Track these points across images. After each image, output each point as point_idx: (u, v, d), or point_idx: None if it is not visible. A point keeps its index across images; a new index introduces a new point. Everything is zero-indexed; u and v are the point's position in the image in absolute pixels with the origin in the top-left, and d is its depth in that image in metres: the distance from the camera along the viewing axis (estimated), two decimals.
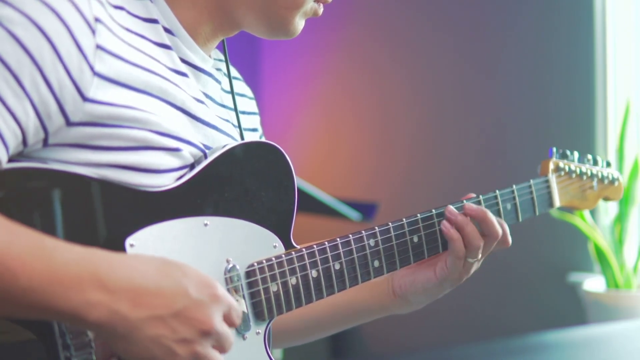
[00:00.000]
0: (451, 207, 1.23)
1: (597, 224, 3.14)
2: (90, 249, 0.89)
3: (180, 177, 1.02)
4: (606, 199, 1.47)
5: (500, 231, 1.23)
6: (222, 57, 1.21)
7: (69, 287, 0.85)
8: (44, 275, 0.85)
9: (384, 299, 1.28)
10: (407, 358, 2.40)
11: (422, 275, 1.24)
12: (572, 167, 1.40)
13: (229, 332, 0.94)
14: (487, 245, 1.23)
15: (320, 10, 1.14)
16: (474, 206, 1.23)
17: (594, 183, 1.44)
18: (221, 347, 0.94)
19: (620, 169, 3.06)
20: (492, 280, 3.35)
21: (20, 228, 0.87)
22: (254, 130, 1.25)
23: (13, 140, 0.91)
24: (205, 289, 0.92)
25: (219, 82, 1.16)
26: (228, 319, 0.95)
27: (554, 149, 1.39)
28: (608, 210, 3.20)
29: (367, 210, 3.15)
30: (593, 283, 3.11)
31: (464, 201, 1.25)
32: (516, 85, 3.43)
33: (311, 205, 2.93)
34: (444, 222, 1.21)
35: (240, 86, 1.26)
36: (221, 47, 1.20)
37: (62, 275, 0.85)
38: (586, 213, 3.06)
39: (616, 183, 1.48)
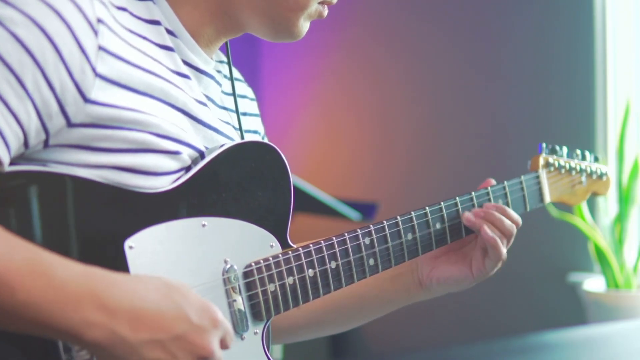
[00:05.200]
0: (492, 211, 1.25)
1: (597, 224, 3.14)
2: (89, 267, 0.88)
3: (178, 178, 1.02)
4: (595, 193, 1.47)
5: (513, 228, 1.25)
6: (224, 59, 1.21)
7: (67, 304, 0.84)
8: (42, 291, 0.83)
9: (410, 290, 1.30)
10: (407, 358, 2.40)
11: (458, 272, 1.27)
12: (562, 163, 1.41)
13: (222, 357, 0.94)
14: (505, 242, 1.26)
15: (325, 12, 1.14)
16: (481, 211, 1.26)
17: (583, 178, 1.45)
18: None
19: (620, 169, 3.06)
20: (492, 280, 3.34)
21: (19, 241, 0.86)
22: (255, 132, 1.25)
23: (15, 142, 0.91)
24: (206, 313, 0.92)
25: (219, 84, 1.16)
26: (222, 343, 0.95)
27: (544, 145, 1.39)
28: (608, 210, 3.20)
29: (367, 210, 3.15)
30: (593, 283, 3.11)
31: (473, 193, 1.27)
32: (516, 85, 3.43)
33: (311, 205, 2.93)
34: (485, 228, 1.23)
35: (242, 87, 1.25)
36: (223, 49, 1.20)
37: (61, 292, 0.84)
38: (586, 213, 3.07)
39: (604, 178, 1.48)
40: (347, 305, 1.31)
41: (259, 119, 1.28)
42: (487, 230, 1.23)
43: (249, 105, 1.26)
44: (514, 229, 1.25)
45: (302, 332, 1.33)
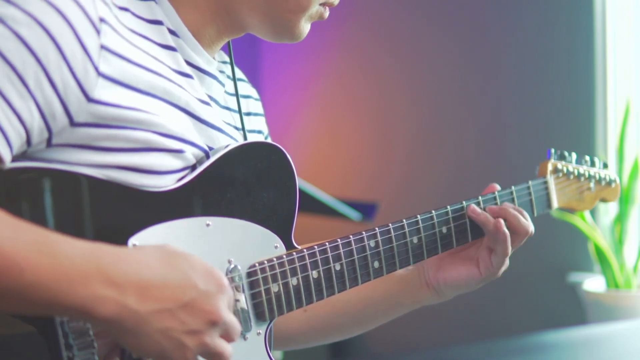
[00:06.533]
0: (493, 207, 1.26)
1: (597, 224, 3.15)
2: (94, 243, 0.89)
3: (183, 177, 1.02)
4: (603, 200, 1.47)
5: (530, 227, 1.25)
6: (226, 59, 1.21)
7: (75, 281, 0.85)
8: (50, 270, 0.84)
9: (417, 293, 1.30)
10: (407, 358, 2.40)
11: (466, 272, 1.26)
12: (570, 169, 1.40)
13: (235, 321, 0.94)
14: (516, 241, 1.26)
15: (326, 13, 1.13)
16: (495, 207, 1.26)
17: (592, 184, 1.44)
18: (229, 336, 0.94)
19: (620, 169, 3.06)
20: (492, 280, 3.34)
21: (24, 224, 0.87)
22: (259, 132, 1.25)
23: (17, 140, 0.91)
24: (212, 279, 0.93)
25: (222, 84, 1.16)
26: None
27: (552, 150, 1.39)
28: (608, 210, 3.20)
29: (367, 210, 3.15)
30: (593, 283, 3.12)
31: (480, 197, 1.27)
32: (516, 85, 3.43)
33: (311, 205, 2.93)
34: (500, 220, 1.23)
35: (245, 87, 1.25)
36: (226, 49, 1.20)
37: (68, 270, 0.85)
38: (586, 213, 3.07)
39: (613, 185, 1.48)
40: (355, 309, 1.30)
41: (263, 119, 1.28)
42: (501, 221, 1.23)
43: (254, 104, 1.26)
44: (529, 229, 1.25)
45: (310, 338, 1.32)
